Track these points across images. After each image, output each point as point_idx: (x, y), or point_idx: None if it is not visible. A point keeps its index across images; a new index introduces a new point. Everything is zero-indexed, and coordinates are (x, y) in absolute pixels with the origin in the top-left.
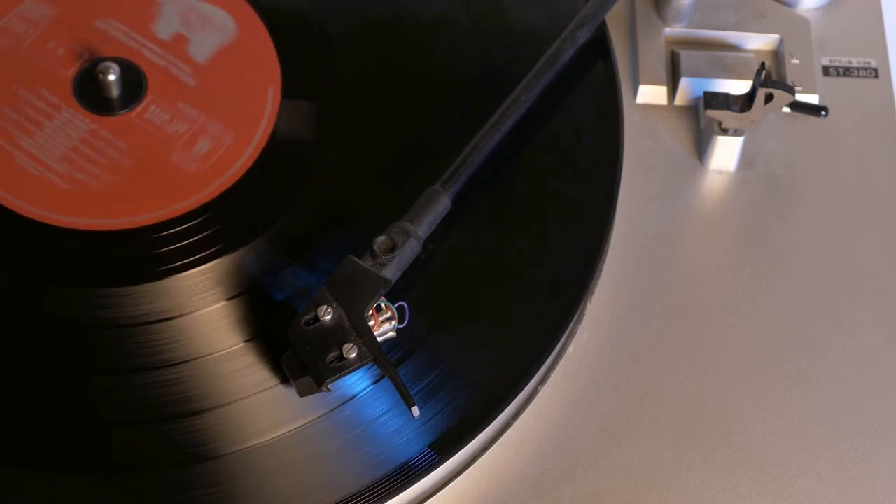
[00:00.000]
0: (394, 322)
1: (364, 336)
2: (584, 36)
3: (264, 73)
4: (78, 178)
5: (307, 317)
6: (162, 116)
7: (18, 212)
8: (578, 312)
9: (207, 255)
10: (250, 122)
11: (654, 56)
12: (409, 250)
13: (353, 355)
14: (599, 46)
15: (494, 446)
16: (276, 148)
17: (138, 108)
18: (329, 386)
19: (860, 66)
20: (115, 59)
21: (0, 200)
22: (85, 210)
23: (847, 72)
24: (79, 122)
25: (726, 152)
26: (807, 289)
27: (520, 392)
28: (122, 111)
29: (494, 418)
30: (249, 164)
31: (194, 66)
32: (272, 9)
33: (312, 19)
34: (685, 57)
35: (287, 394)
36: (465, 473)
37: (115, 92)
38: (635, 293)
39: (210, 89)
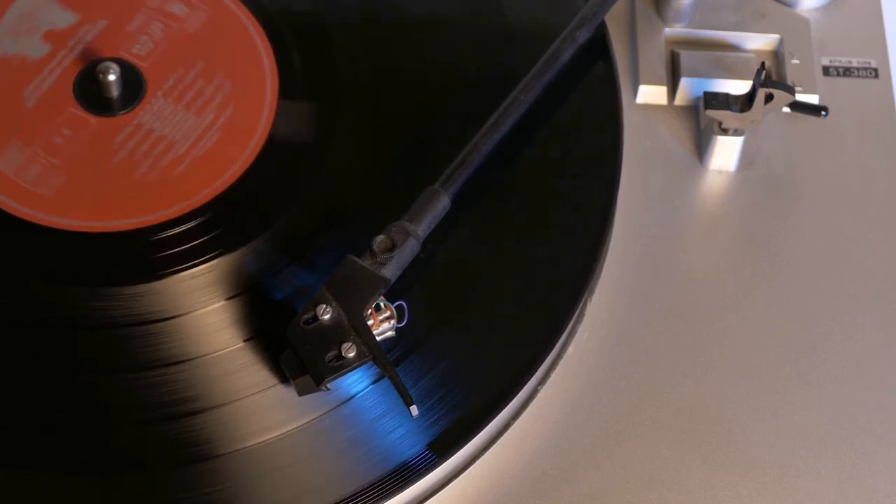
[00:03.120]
0: (393, 321)
1: (363, 335)
2: (583, 36)
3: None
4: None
5: (306, 316)
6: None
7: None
8: (578, 312)
9: (207, 255)
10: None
11: (654, 56)
12: (409, 250)
13: (351, 354)
14: (599, 46)
15: (494, 446)
16: (275, 148)
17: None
18: (328, 385)
19: (860, 66)
20: (114, 60)
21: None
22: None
23: (847, 72)
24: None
25: (726, 152)
26: (807, 289)
27: (520, 392)
28: (122, 111)
29: (494, 418)
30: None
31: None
32: (271, 9)
33: (311, 19)
34: (685, 57)
35: (286, 393)
36: (464, 473)
37: (114, 92)
38: (635, 293)
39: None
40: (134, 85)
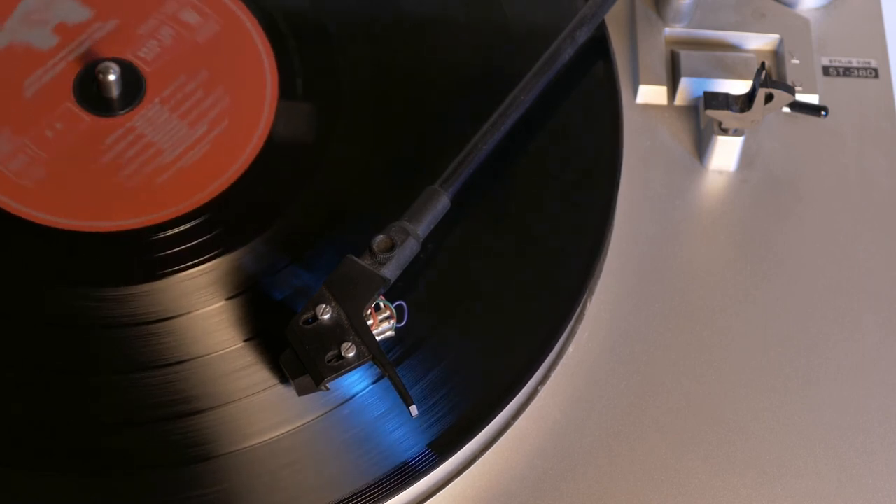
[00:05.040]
0: (392, 321)
1: (363, 335)
2: (583, 36)
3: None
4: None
5: (306, 316)
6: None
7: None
8: (578, 312)
9: (207, 254)
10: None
11: (654, 56)
12: (409, 249)
13: (351, 354)
14: (599, 46)
15: (494, 446)
16: (274, 148)
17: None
18: (328, 385)
19: (860, 66)
20: (114, 60)
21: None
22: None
23: (847, 72)
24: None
25: (726, 152)
26: (807, 289)
27: (520, 392)
28: (122, 111)
29: (494, 418)
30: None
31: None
32: (271, 9)
33: (311, 19)
34: (685, 57)
35: (286, 393)
36: (465, 473)
37: (114, 92)
38: (635, 293)
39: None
40: (134, 87)
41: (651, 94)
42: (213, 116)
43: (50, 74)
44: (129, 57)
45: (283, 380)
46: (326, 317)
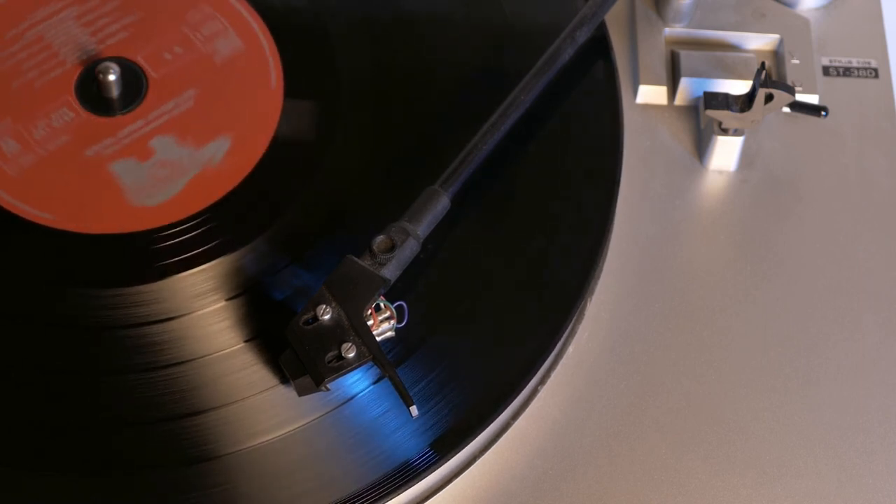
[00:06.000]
0: (393, 321)
1: (363, 335)
2: (583, 36)
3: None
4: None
5: (306, 316)
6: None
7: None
8: (578, 312)
9: (207, 255)
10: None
11: (654, 56)
12: (409, 250)
13: (351, 355)
14: (599, 46)
15: (494, 446)
16: (276, 148)
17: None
18: (328, 385)
19: (860, 66)
20: (114, 59)
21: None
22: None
23: (847, 72)
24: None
25: (726, 152)
26: (807, 289)
27: (520, 392)
28: (123, 111)
29: (494, 418)
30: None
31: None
32: (272, 9)
33: (312, 19)
34: (685, 57)
35: (287, 394)
36: (465, 473)
37: (115, 92)
38: (635, 293)
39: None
40: (134, 85)
41: (651, 94)
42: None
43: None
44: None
45: (284, 380)
46: (326, 317)
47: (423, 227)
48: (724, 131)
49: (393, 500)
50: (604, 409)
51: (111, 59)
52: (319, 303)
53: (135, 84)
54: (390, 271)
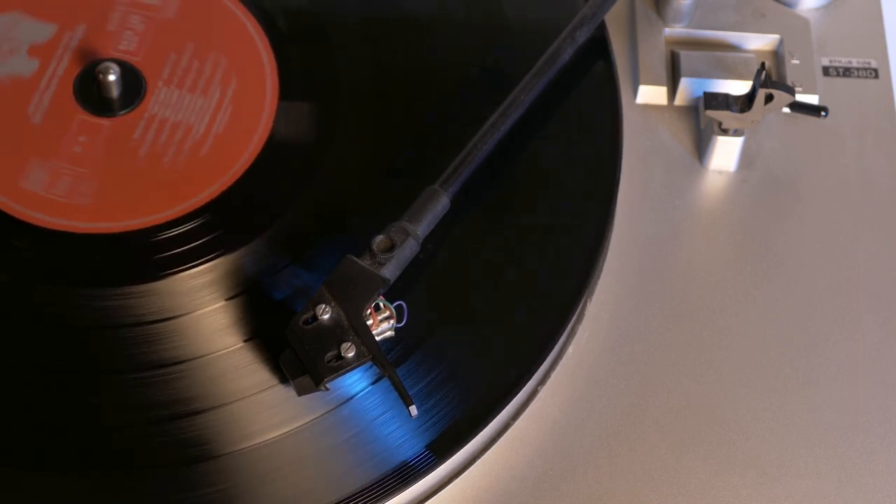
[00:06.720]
0: (392, 321)
1: (362, 335)
2: (583, 36)
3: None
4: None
5: (306, 315)
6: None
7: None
8: (578, 312)
9: (207, 255)
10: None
11: (654, 56)
12: (408, 250)
13: (351, 354)
14: (599, 46)
15: (494, 446)
16: (275, 148)
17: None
18: (327, 385)
19: (860, 66)
20: (114, 60)
21: None
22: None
23: (847, 72)
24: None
25: (726, 152)
26: (807, 289)
27: (520, 392)
28: (122, 111)
29: (494, 418)
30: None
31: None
32: (270, 9)
33: (311, 19)
34: (685, 57)
35: (286, 393)
36: (464, 474)
37: (114, 92)
38: (635, 293)
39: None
40: (133, 80)
41: (651, 94)
42: (220, 78)
43: (48, 95)
44: (112, 54)
45: (283, 380)
46: (326, 317)
47: (422, 227)
48: (724, 131)
49: (393, 500)
50: (604, 409)
51: (111, 59)
52: (319, 302)
53: (134, 84)
54: (390, 271)
